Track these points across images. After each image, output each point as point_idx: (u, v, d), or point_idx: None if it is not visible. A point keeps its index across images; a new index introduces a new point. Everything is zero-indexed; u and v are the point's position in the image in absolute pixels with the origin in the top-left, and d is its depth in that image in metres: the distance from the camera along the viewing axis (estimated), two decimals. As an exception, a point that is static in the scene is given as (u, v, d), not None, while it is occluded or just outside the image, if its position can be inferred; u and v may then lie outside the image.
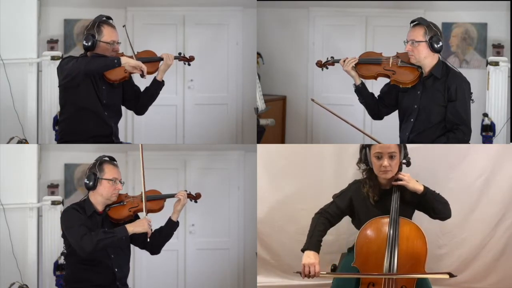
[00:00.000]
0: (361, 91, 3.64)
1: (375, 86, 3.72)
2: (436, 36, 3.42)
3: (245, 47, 5.04)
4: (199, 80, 5.05)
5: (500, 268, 4.26)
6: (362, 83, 3.63)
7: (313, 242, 3.27)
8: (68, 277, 3.38)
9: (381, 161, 3.26)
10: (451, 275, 3.04)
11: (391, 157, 3.26)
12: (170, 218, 3.51)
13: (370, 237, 3.20)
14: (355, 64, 3.58)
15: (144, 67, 3.53)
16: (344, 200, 3.40)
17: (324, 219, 3.36)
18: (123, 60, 3.50)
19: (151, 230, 3.36)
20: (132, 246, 3.50)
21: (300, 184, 4.34)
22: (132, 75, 3.65)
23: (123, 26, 3.64)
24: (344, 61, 3.58)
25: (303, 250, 3.24)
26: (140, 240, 3.44)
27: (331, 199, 3.48)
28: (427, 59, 3.46)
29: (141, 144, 3.54)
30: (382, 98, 3.65)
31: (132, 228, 3.28)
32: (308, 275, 3.16)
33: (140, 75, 3.56)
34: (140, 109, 3.79)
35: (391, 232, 3.17)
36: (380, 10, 4.96)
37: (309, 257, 3.20)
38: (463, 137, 3.44)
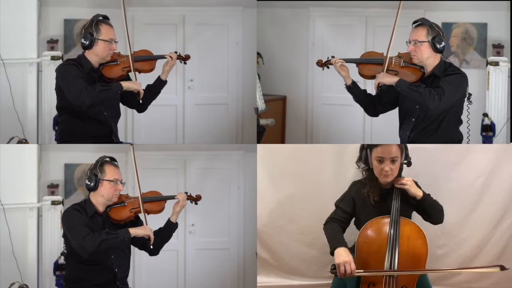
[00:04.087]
0: (353, 90, 3.64)
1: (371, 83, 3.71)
2: (439, 36, 3.41)
3: (245, 47, 5.04)
4: (199, 80, 5.05)
5: (500, 268, 4.26)
6: (353, 82, 3.62)
7: (340, 240, 3.20)
8: (68, 277, 3.39)
9: (383, 165, 3.26)
10: (502, 268, 2.96)
11: (392, 161, 3.26)
12: (169, 220, 3.52)
13: (371, 237, 3.20)
14: (356, 64, 3.58)
15: (141, 91, 3.62)
16: (348, 202, 3.40)
17: (336, 225, 3.34)
18: (125, 86, 3.57)
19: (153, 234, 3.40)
20: (132, 246, 3.51)
21: (300, 184, 4.34)
22: (129, 73, 3.67)
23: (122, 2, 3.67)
24: (335, 62, 3.59)
25: (332, 252, 3.15)
26: (140, 241, 3.44)
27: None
28: (430, 60, 3.45)
29: (132, 144, 3.57)
30: (381, 96, 3.65)
31: (134, 230, 3.31)
32: (345, 274, 3.06)
33: (136, 95, 3.63)
34: (141, 107, 3.80)
35: (392, 232, 3.17)
36: (380, 10, 4.96)
37: (342, 255, 3.10)
38: (433, 97, 3.31)
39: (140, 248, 3.52)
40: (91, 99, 3.46)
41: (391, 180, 3.31)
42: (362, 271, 3.09)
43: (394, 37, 3.48)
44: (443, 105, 3.36)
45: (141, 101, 3.64)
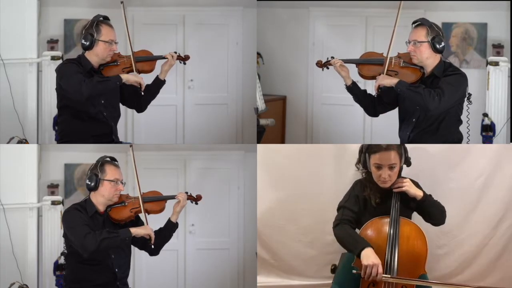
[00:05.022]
0: (353, 90, 3.64)
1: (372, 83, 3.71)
2: (438, 36, 3.41)
3: (245, 47, 5.04)
4: (199, 80, 5.05)
5: (500, 268, 4.26)
6: (353, 83, 3.62)
7: (362, 240, 3.13)
8: (68, 277, 3.39)
9: (380, 172, 3.25)
10: None
11: (391, 168, 3.25)
12: (170, 220, 3.52)
13: (371, 237, 3.19)
14: (356, 64, 3.57)
15: (143, 83, 3.61)
16: (355, 201, 3.37)
17: (348, 226, 3.28)
18: (124, 78, 3.56)
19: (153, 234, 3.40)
20: (132, 246, 3.51)
21: (300, 184, 4.33)
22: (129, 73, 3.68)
23: (121, 3, 3.67)
24: (334, 63, 3.57)
25: (358, 253, 3.06)
26: (140, 241, 3.45)
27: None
28: (429, 60, 3.45)
29: (131, 146, 3.56)
30: (380, 96, 3.64)
31: (135, 230, 3.32)
32: (370, 277, 2.99)
33: (138, 89, 3.62)
34: (140, 107, 3.81)
35: (391, 232, 3.17)
36: (380, 10, 4.96)
37: (370, 256, 3.02)
38: (433, 98, 3.31)
39: (140, 248, 3.52)
40: (89, 90, 3.46)
41: (390, 185, 3.30)
42: (388, 276, 3.03)
43: (394, 37, 3.47)
44: (443, 106, 3.35)
45: (142, 93, 3.64)
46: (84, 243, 3.18)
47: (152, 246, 3.41)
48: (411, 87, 3.39)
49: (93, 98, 3.53)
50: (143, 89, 3.63)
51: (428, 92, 3.33)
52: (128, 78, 3.58)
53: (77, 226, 3.24)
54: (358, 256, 3.06)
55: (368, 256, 3.03)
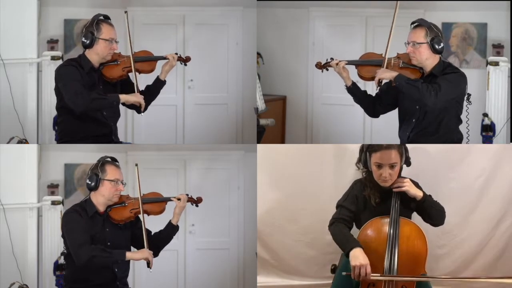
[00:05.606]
0: (354, 91, 3.63)
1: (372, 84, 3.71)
2: (438, 37, 3.40)
3: (245, 47, 5.04)
4: (199, 80, 5.05)
5: (500, 268, 4.26)
6: (354, 83, 3.62)
7: (354, 240, 3.15)
8: (68, 277, 3.39)
9: (381, 171, 3.25)
10: None
11: (391, 167, 3.25)
12: (170, 222, 3.52)
13: (370, 237, 3.20)
14: (355, 66, 3.57)
15: (143, 103, 3.60)
16: (353, 201, 3.37)
17: (343, 225, 3.29)
18: (122, 98, 3.56)
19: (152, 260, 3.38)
20: (132, 246, 3.50)
21: (300, 184, 4.33)
22: (129, 74, 3.67)
23: (125, 12, 3.66)
24: (337, 64, 3.57)
25: (347, 253, 3.09)
26: (140, 242, 3.44)
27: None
28: (429, 60, 3.45)
29: (137, 164, 3.54)
30: (380, 97, 3.64)
31: (131, 255, 3.31)
32: (359, 277, 3.01)
33: (137, 110, 3.64)
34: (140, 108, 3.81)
35: (391, 232, 3.17)
36: (380, 10, 4.96)
37: (358, 257, 3.04)
38: (430, 93, 3.31)
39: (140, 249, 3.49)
40: (84, 105, 3.45)
41: (390, 185, 3.30)
42: (378, 275, 3.05)
43: (392, 38, 3.47)
44: (440, 101, 3.34)
45: (142, 114, 3.65)
46: (78, 253, 3.20)
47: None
48: (409, 81, 3.39)
49: (87, 112, 3.51)
50: (143, 109, 3.62)
51: (426, 87, 3.33)
52: (128, 99, 3.57)
53: (75, 231, 3.25)
54: (347, 256, 3.08)
55: (356, 257, 3.04)
